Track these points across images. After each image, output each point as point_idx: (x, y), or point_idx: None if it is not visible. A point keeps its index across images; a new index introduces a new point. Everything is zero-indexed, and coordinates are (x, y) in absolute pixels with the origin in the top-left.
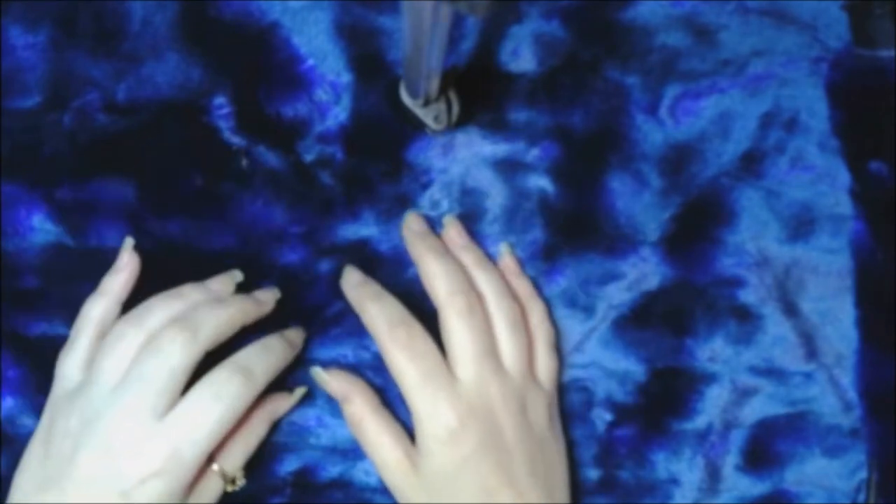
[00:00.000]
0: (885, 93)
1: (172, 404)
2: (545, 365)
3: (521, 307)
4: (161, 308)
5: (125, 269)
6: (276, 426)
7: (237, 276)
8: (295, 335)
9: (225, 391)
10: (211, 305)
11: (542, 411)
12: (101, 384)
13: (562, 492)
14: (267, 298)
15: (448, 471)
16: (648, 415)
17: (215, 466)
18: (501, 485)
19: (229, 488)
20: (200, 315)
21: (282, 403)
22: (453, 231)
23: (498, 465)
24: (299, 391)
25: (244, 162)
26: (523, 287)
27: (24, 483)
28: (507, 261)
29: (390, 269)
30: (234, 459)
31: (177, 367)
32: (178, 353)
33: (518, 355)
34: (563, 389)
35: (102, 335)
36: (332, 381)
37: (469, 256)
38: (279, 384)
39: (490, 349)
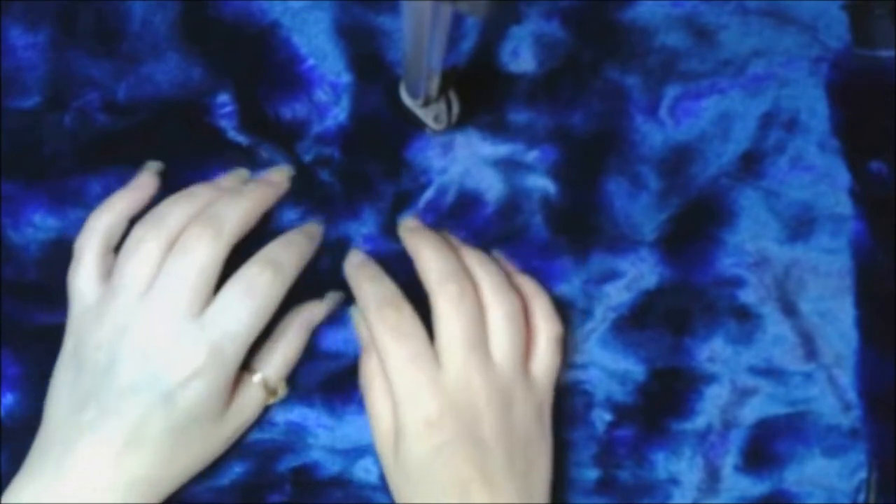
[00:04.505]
0: (885, 93)
1: (206, 303)
2: (543, 362)
3: (524, 302)
4: (176, 209)
5: (140, 188)
6: (275, 425)
7: (244, 173)
8: (313, 228)
9: (257, 285)
10: (229, 198)
11: (529, 409)
12: (128, 292)
13: (542, 493)
14: (278, 178)
15: (422, 457)
16: (648, 415)
17: (257, 377)
18: (474, 478)
19: (271, 400)
20: (221, 209)
21: (316, 311)
22: (450, 237)
23: (472, 459)
24: (331, 296)
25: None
26: (527, 283)
27: (56, 411)
28: (504, 263)
29: (388, 270)
30: (276, 369)
31: (206, 265)
32: (206, 250)
33: (511, 349)
34: (562, 390)
35: (109, 248)
36: (363, 327)
37: (468, 252)
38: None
39: (480, 340)
